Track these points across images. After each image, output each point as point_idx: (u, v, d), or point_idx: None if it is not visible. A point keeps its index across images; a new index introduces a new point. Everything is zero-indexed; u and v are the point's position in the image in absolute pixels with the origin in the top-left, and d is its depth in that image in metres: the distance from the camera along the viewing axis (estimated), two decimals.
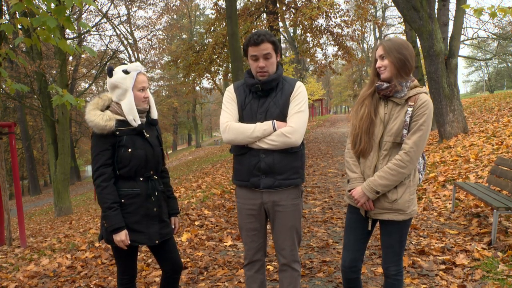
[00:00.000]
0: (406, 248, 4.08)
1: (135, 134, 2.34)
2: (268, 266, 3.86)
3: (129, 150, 2.28)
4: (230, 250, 4.54)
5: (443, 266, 3.59)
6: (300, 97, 2.32)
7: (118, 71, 2.31)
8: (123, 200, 2.29)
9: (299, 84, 2.38)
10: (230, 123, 2.30)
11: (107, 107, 2.37)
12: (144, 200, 2.34)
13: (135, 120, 2.31)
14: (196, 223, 5.72)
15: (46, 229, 9.72)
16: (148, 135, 2.39)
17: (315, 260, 3.98)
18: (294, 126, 2.25)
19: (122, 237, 2.24)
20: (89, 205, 15.19)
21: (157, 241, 2.39)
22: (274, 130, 2.25)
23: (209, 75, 20.72)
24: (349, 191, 2.34)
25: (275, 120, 2.28)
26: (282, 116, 2.30)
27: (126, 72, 2.29)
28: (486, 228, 4.55)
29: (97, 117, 2.24)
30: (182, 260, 4.21)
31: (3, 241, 6.64)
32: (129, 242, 2.29)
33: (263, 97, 2.34)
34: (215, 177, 11.27)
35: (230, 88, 2.44)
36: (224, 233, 5.19)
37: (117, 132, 2.28)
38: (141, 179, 2.35)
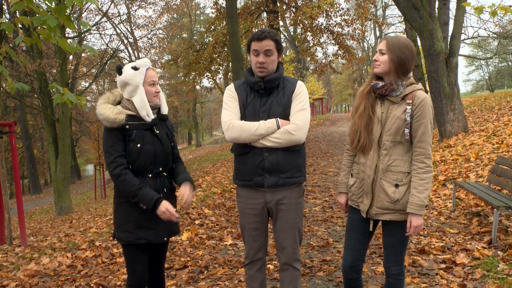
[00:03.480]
0: (406, 247, 4.08)
1: (145, 129, 2.34)
2: (268, 265, 3.86)
3: (138, 145, 2.28)
4: (230, 249, 4.54)
5: (443, 265, 3.59)
6: (302, 96, 2.34)
7: (126, 68, 2.33)
8: None
9: (300, 83, 2.40)
10: (233, 121, 2.30)
11: (118, 103, 2.38)
12: None
13: (148, 115, 2.32)
14: (197, 222, 5.73)
15: (46, 228, 9.74)
16: (158, 131, 2.39)
17: (316, 259, 3.98)
18: (299, 123, 2.26)
19: (165, 206, 2.23)
20: (90, 204, 15.19)
21: (165, 238, 2.39)
22: (278, 127, 2.25)
23: (210, 74, 20.72)
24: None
25: (278, 118, 2.28)
26: (284, 115, 2.31)
27: (135, 68, 2.32)
28: (487, 227, 4.55)
29: (107, 110, 2.25)
30: (182, 259, 4.22)
31: (3, 240, 6.64)
32: (174, 211, 2.27)
33: (265, 95, 2.34)
34: (215, 176, 11.27)
35: (231, 87, 2.43)
36: (224, 232, 5.19)
37: (127, 126, 2.28)
38: (150, 175, 2.34)
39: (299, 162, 2.36)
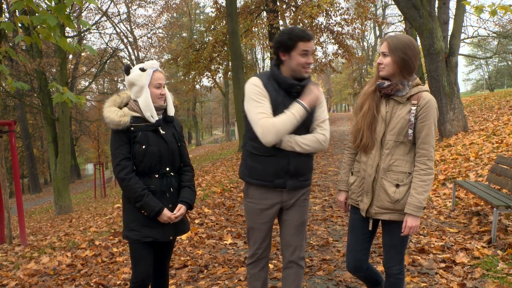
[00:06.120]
0: (406, 246, 4.08)
1: (150, 130, 2.35)
2: (269, 265, 3.86)
3: (143, 146, 2.30)
4: (230, 248, 4.54)
5: (443, 265, 3.59)
6: (324, 103, 2.36)
7: (135, 69, 2.36)
8: None
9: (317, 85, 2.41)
10: (274, 122, 2.18)
11: (126, 104, 2.41)
12: (160, 197, 2.34)
13: (152, 116, 2.35)
14: (196, 221, 5.73)
15: (46, 227, 9.74)
16: (163, 132, 2.40)
17: (315, 258, 3.98)
18: (327, 135, 2.32)
19: (167, 215, 2.31)
20: (89, 204, 15.20)
21: (170, 237, 2.41)
22: (306, 109, 2.21)
23: (209, 73, 20.72)
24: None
25: (298, 99, 2.23)
26: (310, 117, 2.29)
27: (142, 69, 2.34)
28: (486, 226, 4.55)
29: (112, 113, 2.28)
30: (182, 258, 4.22)
31: (3, 239, 6.65)
32: (174, 216, 2.34)
33: (293, 97, 2.28)
34: (215, 175, 11.27)
35: (258, 83, 2.25)
36: (224, 231, 5.20)
37: (132, 128, 2.31)
38: (156, 175, 2.35)
39: (312, 165, 2.42)
